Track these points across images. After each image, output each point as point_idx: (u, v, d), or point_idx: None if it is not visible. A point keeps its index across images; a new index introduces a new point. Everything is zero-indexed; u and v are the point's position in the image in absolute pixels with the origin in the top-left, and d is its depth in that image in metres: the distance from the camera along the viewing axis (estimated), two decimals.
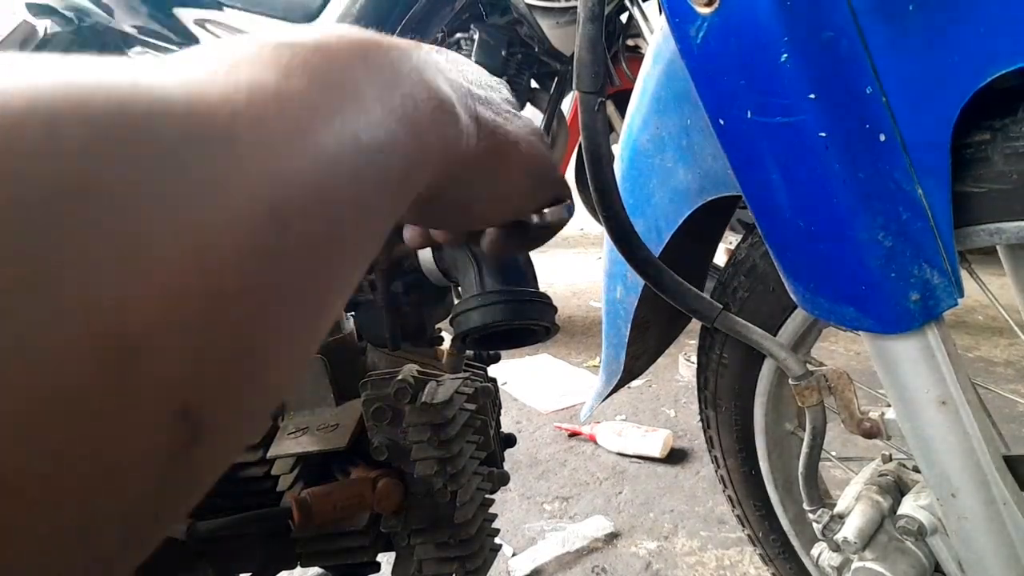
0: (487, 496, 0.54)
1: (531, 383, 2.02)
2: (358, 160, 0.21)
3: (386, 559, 0.53)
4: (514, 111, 0.35)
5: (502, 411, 0.64)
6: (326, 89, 0.20)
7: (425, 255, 0.51)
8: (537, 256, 0.47)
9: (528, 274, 0.48)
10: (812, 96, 0.41)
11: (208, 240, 0.15)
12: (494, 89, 0.35)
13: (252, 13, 2.31)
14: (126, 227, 0.14)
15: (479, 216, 0.35)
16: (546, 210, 0.38)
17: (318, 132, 0.19)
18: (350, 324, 0.57)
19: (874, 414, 0.56)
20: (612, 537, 1.31)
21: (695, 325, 0.67)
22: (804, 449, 0.60)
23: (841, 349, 2.09)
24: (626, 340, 0.75)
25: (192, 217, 0.15)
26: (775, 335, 0.65)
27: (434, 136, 0.26)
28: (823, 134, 0.42)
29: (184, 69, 0.17)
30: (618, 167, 0.67)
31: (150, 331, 0.14)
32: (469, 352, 0.62)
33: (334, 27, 0.24)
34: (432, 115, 0.26)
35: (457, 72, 0.32)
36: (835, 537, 0.62)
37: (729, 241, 1.92)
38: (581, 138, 0.48)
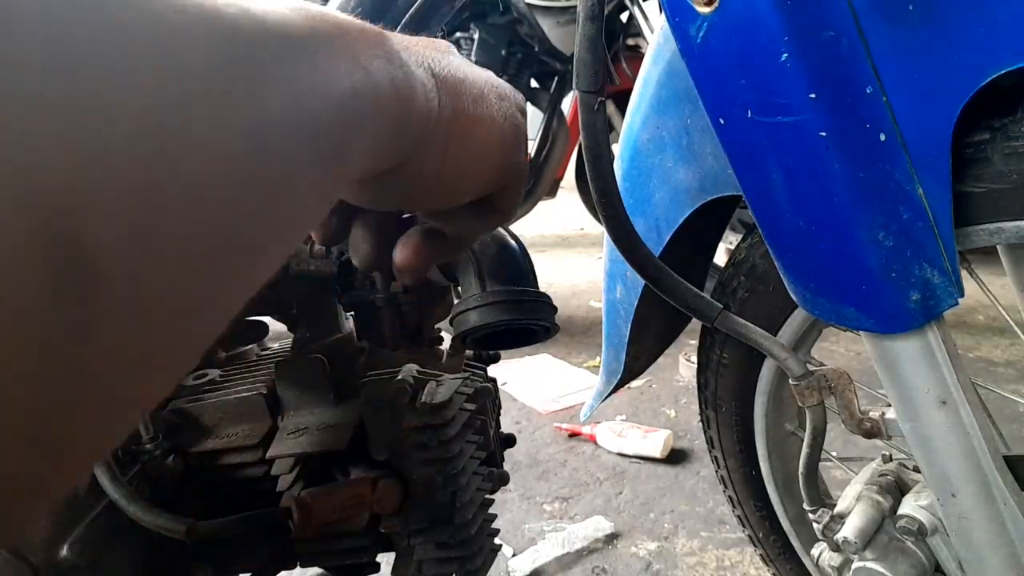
0: (487, 496, 0.54)
1: (531, 383, 2.02)
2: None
3: (386, 559, 0.53)
4: (496, 88, 0.34)
5: (502, 411, 0.64)
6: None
7: None
8: (537, 256, 0.47)
9: (528, 274, 0.48)
10: (812, 96, 0.41)
11: None
12: (468, 65, 0.34)
13: None
14: None
15: (438, 192, 0.32)
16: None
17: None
18: (350, 324, 0.57)
19: (874, 414, 0.56)
20: (612, 538, 1.31)
21: (695, 325, 0.67)
22: (804, 449, 0.60)
23: (841, 349, 2.09)
24: (626, 340, 0.75)
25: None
26: (775, 335, 0.65)
27: (387, 89, 0.25)
28: (823, 134, 0.42)
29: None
30: (618, 167, 0.67)
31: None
32: (469, 352, 0.62)
33: None
34: (383, 69, 0.25)
35: (420, 44, 0.31)
36: (835, 537, 0.62)
37: (729, 241, 1.92)
38: (581, 137, 0.48)
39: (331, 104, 0.22)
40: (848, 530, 0.61)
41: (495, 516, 0.55)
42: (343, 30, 0.24)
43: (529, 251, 0.50)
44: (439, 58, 0.31)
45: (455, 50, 0.35)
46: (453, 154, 0.31)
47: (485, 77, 0.34)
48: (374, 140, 0.25)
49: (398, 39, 0.29)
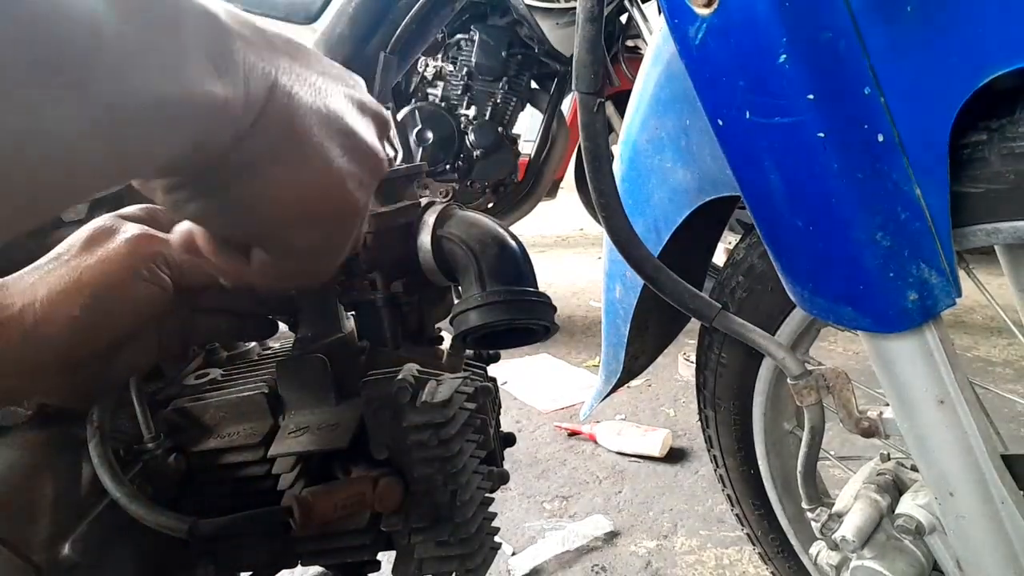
0: (487, 495, 0.54)
1: (531, 383, 2.02)
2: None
3: (386, 558, 0.53)
4: (352, 138, 0.31)
5: (502, 410, 0.64)
6: None
7: (425, 254, 0.51)
8: (537, 256, 0.47)
9: (528, 274, 0.49)
10: (810, 96, 0.42)
11: None
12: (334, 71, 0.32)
13: (253, 14, 2.31)
14: None
15: (241, 213, 0.30)
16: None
17: None
18: (350, 324, 0.57)
19: (872, 413, 0.57)
20: (612, 536, 1.31)
21: (694, 325, 0.68)
22: (803, 448, 0.60)
23: (839, 348, 2.09)
24: (625, 340, 0.75)
25: None
26: (773, 335, 0.65)
27: (198, 101, 0.24)
28: (821, 134, 0.42)
29: None
30: (617, 167, 0.67)
31: None
32: (469, 352, 0.62)
33: None
34: (202, 81, 0.24)
35: (289, 65, 0.29)
36: (833, 536, 0.62)
37: (728, 241, 1.92)
38: (581, 139, 0.48)
39: (128, 107, 0.22)
40: (846, 529, 0.61)
41: (495, 515, 0.56)
42: (176, 27, 0.24)
43: (529, 251, 0.50)
44: (296, 87, 0.29)
45: (352, 87, 0.33)
46: (266, 180, 0.29)
47: (349, 128, 0.32)
48: (178, 148, 0.25)
49: (265, 50, 0.27)
